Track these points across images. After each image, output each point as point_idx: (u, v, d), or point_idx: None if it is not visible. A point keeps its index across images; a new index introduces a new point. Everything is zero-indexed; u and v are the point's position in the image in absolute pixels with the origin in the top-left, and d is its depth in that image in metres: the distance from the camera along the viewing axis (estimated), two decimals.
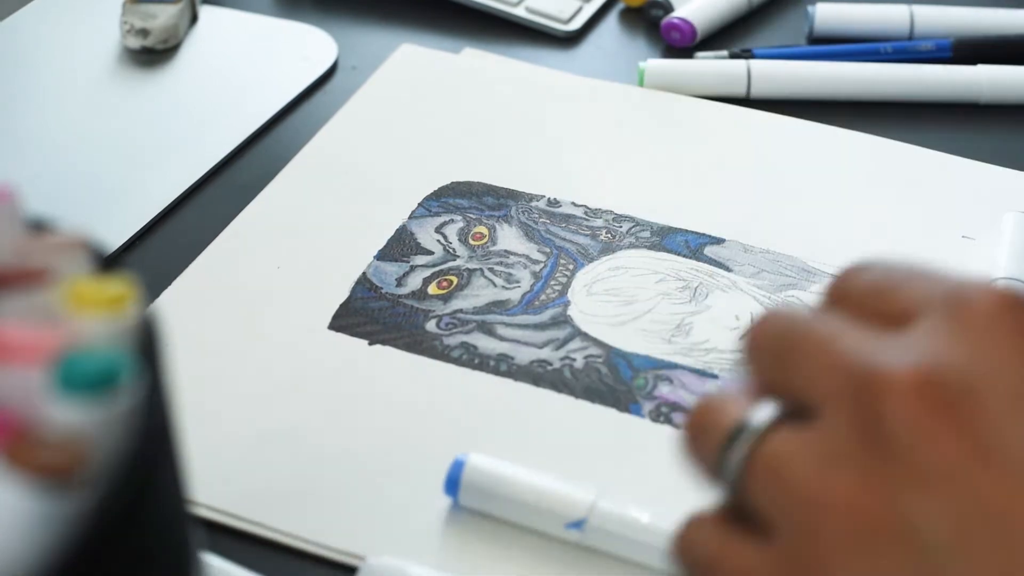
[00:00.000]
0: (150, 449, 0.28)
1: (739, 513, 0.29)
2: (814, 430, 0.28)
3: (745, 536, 0.29)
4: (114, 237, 0.55)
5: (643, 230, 0.55)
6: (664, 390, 0.47)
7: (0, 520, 0.25)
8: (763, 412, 0.28)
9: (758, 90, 0.63)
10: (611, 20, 0.69)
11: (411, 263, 0.53)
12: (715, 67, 0.63)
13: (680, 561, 0.30)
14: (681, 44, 0.66)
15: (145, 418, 0.27)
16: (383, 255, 0.54)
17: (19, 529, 0.25)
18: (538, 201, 0.56)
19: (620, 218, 0.55)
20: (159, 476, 0.29)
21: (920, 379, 0.27)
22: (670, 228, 0.55)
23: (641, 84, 0.63)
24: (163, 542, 0.29)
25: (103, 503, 0.25)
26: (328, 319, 0.51)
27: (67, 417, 0.27)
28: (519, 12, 0.68)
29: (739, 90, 0.63)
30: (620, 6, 0.70)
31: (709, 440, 0.29)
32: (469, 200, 0.56)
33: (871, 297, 0.29)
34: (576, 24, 0.68)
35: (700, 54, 0.65)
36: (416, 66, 0.65)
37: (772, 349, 0.29)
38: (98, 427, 0.27)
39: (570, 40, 0.68)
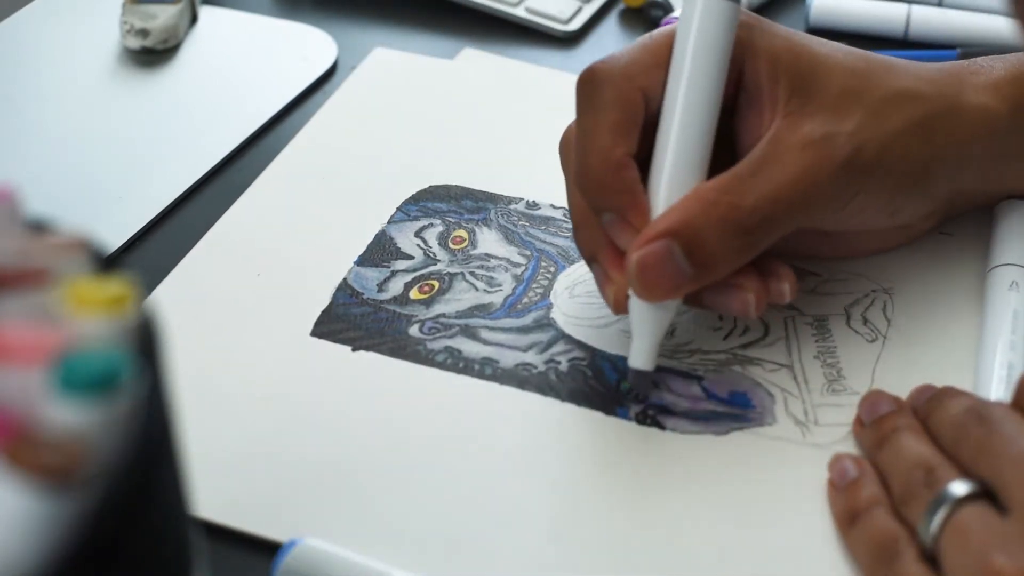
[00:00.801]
0: (150, 449, 0.28)
1: (929, 556, 0.39)
2: (1006, 520, 0.37)
3: (930, 571, 0.38)
4: (114, 237, 0.55)
5: None
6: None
7: (0, 520, 0.25)
8: (963, 487, 0.39)
9: None
10: (611, 20, 0.69)
11: (392, 268, 0.53)
12: None
13: (876, 570, 0.40)
14: None
15: (145, 418, 0.27)
16: (363, 260, 0.54)
17: (19, 529, 0.25)
18: (517, 204, 0.56)
19: None
20: (159, 476, 0.29)
21: None
22: None
23: None
24: (163, 542, 0.29)
25: (103, 503, 0.25)
26: (310, 326, 0.51)
27: (67, 417, 0.27)
28: (519, 12, 0.68)
29: None
30: (620, 6, 0.70)
31: (921, 492, 0.40)
32: (448, 204, 0.56)
33: None
34: (576, 24, 0.68)
35: None
36: (391, 70, 0.65)
37: (978, 440, 0.40)
38: (98, 427, 0.27)
39: (570, 40, 0.68)
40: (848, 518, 0.42)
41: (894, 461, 0.42)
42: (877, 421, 0.44)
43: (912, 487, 0.40)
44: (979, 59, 0.50)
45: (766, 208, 0.44)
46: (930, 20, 0.66)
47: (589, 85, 0.46)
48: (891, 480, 0.42)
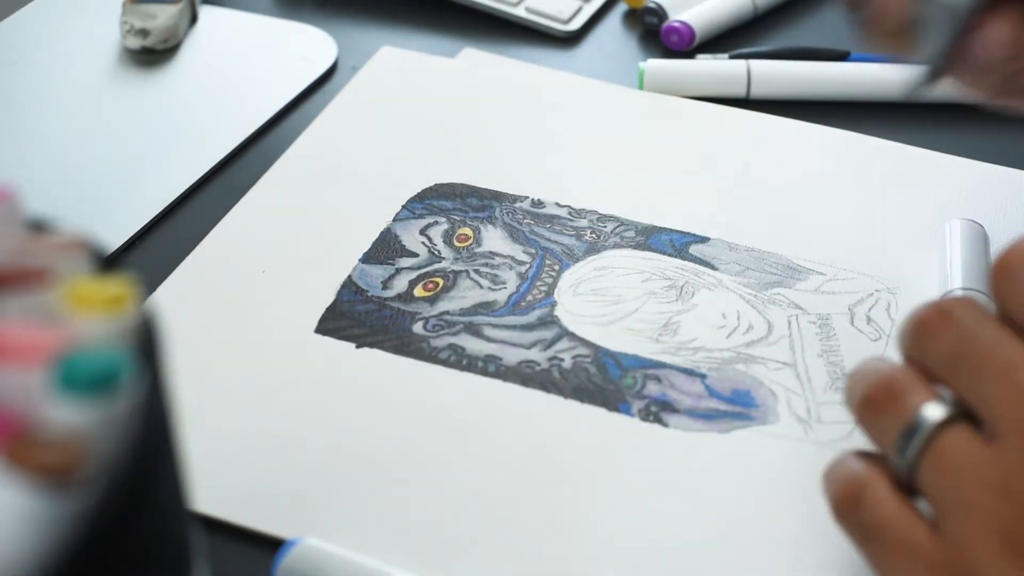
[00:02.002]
0: (150, 449, 0.28)
1: (909, 488, 0.34)
2: (995, 449, 0.32)
3: (916, 513, 0.33)
4: (114, 237, 0.55)
5: (628, 230, 0.55)
6: (653, 389, 0.47)
7: (0, 520, 0.25)
8: (939, 410, 0.33)
9: (758, 91, 0.63)
10: (611, 20, 0.69)
11: (396, 266, 0.53)
12: (715, 68, 0.63)
13: (845, 518, 0.35)
14: (679, 47, 0.66)
15: (145, 418, 0.27)
16: (368, 258, 0.54)
17: (19, 529, 0.25)
18: (522, 202, 0.56)
19: (604, 218, 0.55)
20: (159, 476, 0.29)
21: None
22: (655, 227, 0.55)
23: (641, 85, 0.63)
24: (163, 542, 0.29)
25: (103, 503, 0.25)
26: (314, 323, 0.51)
27: (67, 417, 0.27)
28: (519, 12, 0.68)
29: (739, 91, 0.63)
30: (621, 7, 0.70)
31: (890, 424, 0.34)
32: (453, 202, 0.56)
33: None
34: (576, 24, 0.68)
35: (700, 56, 0.65)
36: (397, 68, 0.65)
37: (952, 350, 0.33)
38: (98, 427, 0.27)
39: (570, 40, 0.68)
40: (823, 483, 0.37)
41: (857, 388, 0.36)
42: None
43: (880, 414, 0.35)
44: None
45: None
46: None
47: None
48: (857, 408, 0.36)
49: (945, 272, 0.51)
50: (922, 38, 0.41)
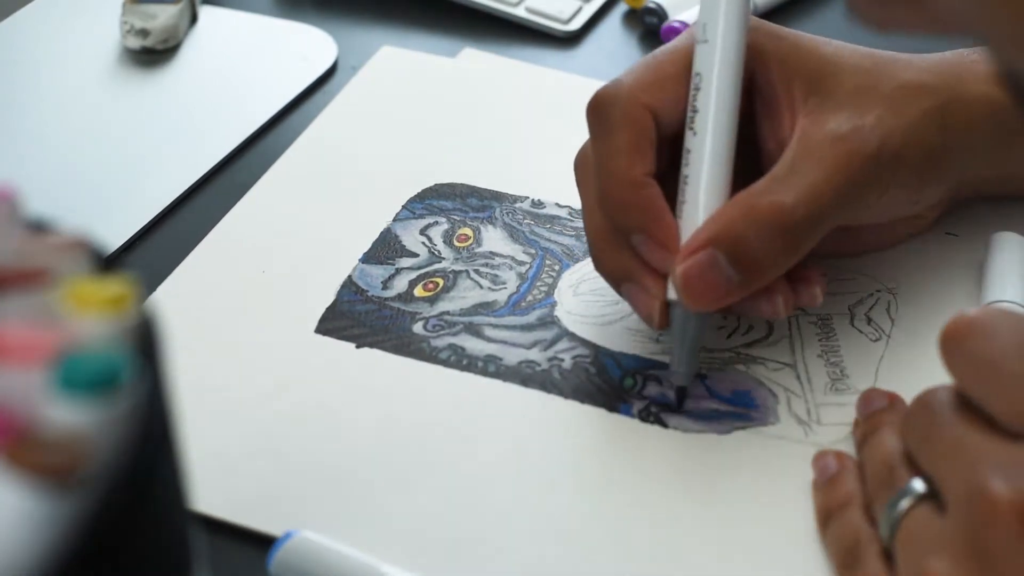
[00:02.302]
0: (150, 449, 0.28)
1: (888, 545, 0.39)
2: (943, 521, 0.36)
3: (888, 571, 0.38)
4: (114, 237, 0.55)
5: None
6: (653, 389, 0.47)
7: (0, 520, 0.25)
8: (917, 486, 0.38)
9: None
10: (611, 20, 0.69)
11: (396, 266, 0.53)
12: None
13: (843, 573, 0.40)
14: None
15: (145, 418, 0.27)
16: (368, 258, 0.54)
17: (19, 529, 0.25)
18: (522, 202, 0.56)
19: None
20: (159, 476, 0.29)
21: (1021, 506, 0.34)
22: None
23: None
24: (163, 542, 0.29)
25: (103, 503, 0.25)
26: (314, 323, 0.51)
27: (67, 417, 0.27)
28: (519, 12, 0.68)
29: None
30: (620, 6, 0.70)
31: (882, 492, 0.39)
32: (453, 202, 0.56)
33: (1007, 401, 0.36)
34: (576, 24, 0.68)
35: None
36: (397, 68, 0.65)
37: (920, 432, 0.39)
38: (98, 427, 0.27)
39: (570, 40, 0.68)
40: (823, 517, 0.42)
41: (869, 458, 0.42)
42: (867, 417, 0.44)
43: (876, 486, 0.40)
44: (980, 48, 0.50)
45: (810, 204, 0.44)
46: None
47: (598, 110, 0.46)
48: (867, 478, 0.42)
49: (991, 283, 0.50)
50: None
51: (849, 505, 0.41)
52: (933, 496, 0.38)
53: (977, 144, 0.48)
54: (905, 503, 0.38)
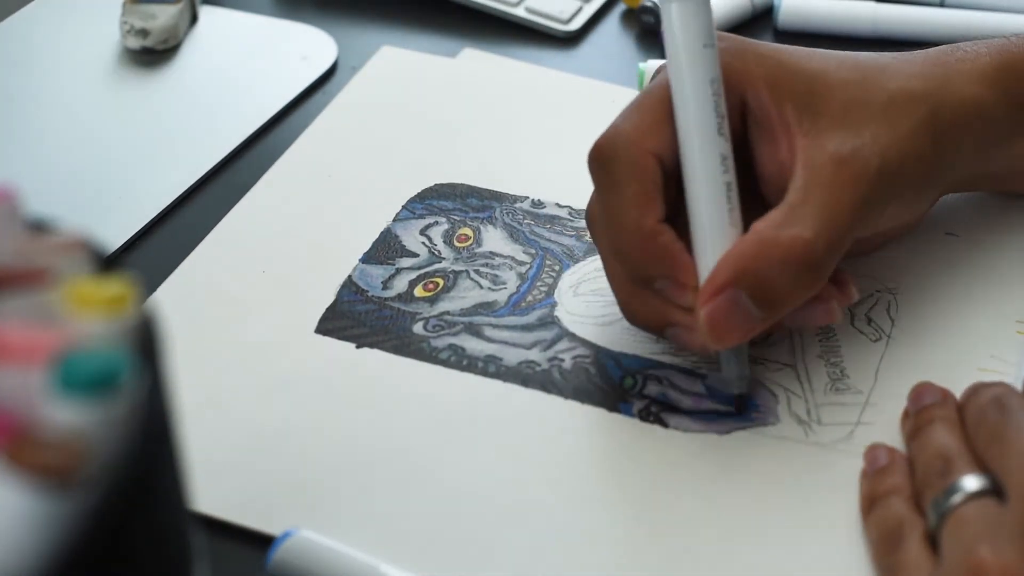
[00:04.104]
0: (150, 449, 0.28)
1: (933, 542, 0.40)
2: (1002, 512, 0.38)
3: (930, 556, 0.39)
4: (114, 237, 0.55)
5: None
6: (653, 389, 0.47)
7: (0, 520, 0.25)
8: (973, 482, 0.39)
9: None
10: (611, 20, 0.69)
11: (396, 266, 0.53)
12: None
13: (882, 553, 0.41)
14: None
15: (145, 418, 0.27)
16: (368, 258, 0.54)
17: (19, 529, 0.25)
18: (522, 202, 0.56)
19: None
20: (159, 476, 0.29)
21: None
22: None
23: (641, 85, 0.63)
24: (163, 542, 0.29)
25: (103, 503, 0.25)
26: (314, 323, 0.51)
27: (67, 417, 0.27)
28: (519, 12, 0.68)
29: None
30: (621, 7, 0.70)
31: (936, 482, 0.40)
32: (453, 202, 0.56)
33: None
34: (576, 24, 0.68)
35: None
36: (397, 68, 0.65)
37: (991, 429, 0.41)
38: (98, 427, 0.27)
39: (570, 40, 0.68)
40: (868, 504, 0.42)
41: (920, 451, 0.43)
42: (918, 411, 0.44)
43: (929, 477, 0.41)
44: (963, 44, 0.50)
45: (830, 234, 0.44)
46: (897, 18, 0.66)
47: (601, 162, 0.46)
48: (915, 469, 0.42)
49: None
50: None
51: (895, 493, 0.42)
52: (990, 493, 0.39)
53: (967, 145, 0.49)
54: (959, 496, 0.39)
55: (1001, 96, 0.49)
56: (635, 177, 0.45)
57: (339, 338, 0.50)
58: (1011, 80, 0.49)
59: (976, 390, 0.43)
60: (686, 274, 0.45)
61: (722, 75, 0.45)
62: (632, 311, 0.47)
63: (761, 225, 0.44)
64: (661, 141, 0.46)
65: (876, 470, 0.43)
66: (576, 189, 0.57)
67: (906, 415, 0.45)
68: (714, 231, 0.45)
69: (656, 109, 0.46)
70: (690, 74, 0.45)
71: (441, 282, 0.52)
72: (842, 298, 0.46)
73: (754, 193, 0.47)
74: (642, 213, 0.45)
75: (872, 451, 0.44)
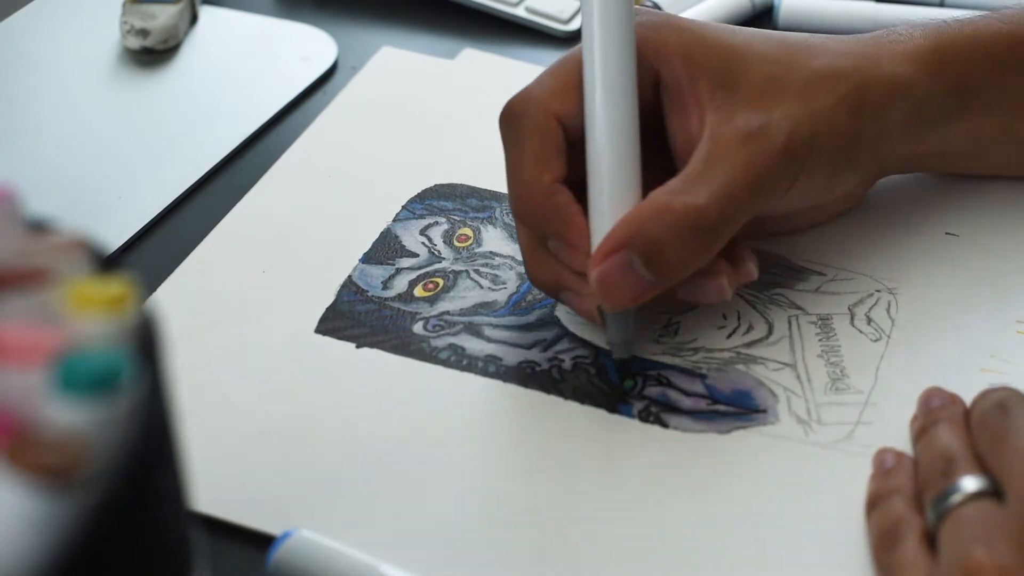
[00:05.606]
0: (150, 449, 0.28)
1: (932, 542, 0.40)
2: (1000, 513, 0.38)
3: (928, 556, 0.39)
4: (114, 237, 0.55)
5: None
6: (653, 390, 0.47)
7: (0, 520, 0.25)
8: (973, 482, 0.39)
9: None
10: None
11: (396, 266, 0.53)
12: None
13: (881, 550, 0.41)
14: None
15: (145, 418, 0.27)
16: (368, 258, 0.54)
17: (19, 529, 0.25)
18: None
19: None
20: (159, 476, 0.29)
21: None
22: None
23: None
24: (163, 542, 0.29)
25: (103, 503, 0.25)
26: (314, 323, 0.51)
27: (67, 417, 0.27)
28: (519, 12, 0.68)
29: None
30: None
31: (937, 482, 0.40)
32: (453, 202, 0.56)
33: None
34: (576, 24, 0.68)
35: None
36: (397, 68, 0.65)
37: (994, 431, 0.41)
38: (98, 427, 0.27)
39: (570, 40, 0.68)
40: (871, 503, 0.43)
41: (924, 451, 0.43)
42: (925, 413, 0.45)
43: (931, 477, 0.41)
44: (900, 27, 0.51)
45: (723, 204, 0.44)
46: (897, 17, 0.66)
47: (507, 121, 0.48)
48: (919, 469, 0.42)
49: None
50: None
51: (898, 493, 0.42)
52: (990, 494, 0.39)
53: (893, 125, 0.49)
54: (958, 496, 0.39)
55: (933, 77, 0.49)
56: (536, 136, 0.46)
57: (339, 338, 0.50)
58: (944, 62, 0.49)
59: (984, 394, 0.43)
60: (578, 236, 0.45)
61: (636, 46, 0.46)
62: (532, 271, 0.48)
63: (658, 192, 0.45)
64: (567, 105, 0.46)
65: (883, 472, 0.43)
66: None
67: (915, 419, 0.45)
68: (612, 196, 0.45)
69: (569, 74, 0.47)
70: (601, 41, 0.45)
71: (441, 282, 0.52)
72: (736, 276, 0.47)
73: (665, 165, 0.47)
74: (540, 171, 0.46)
75: (880, 454, 0.44)
